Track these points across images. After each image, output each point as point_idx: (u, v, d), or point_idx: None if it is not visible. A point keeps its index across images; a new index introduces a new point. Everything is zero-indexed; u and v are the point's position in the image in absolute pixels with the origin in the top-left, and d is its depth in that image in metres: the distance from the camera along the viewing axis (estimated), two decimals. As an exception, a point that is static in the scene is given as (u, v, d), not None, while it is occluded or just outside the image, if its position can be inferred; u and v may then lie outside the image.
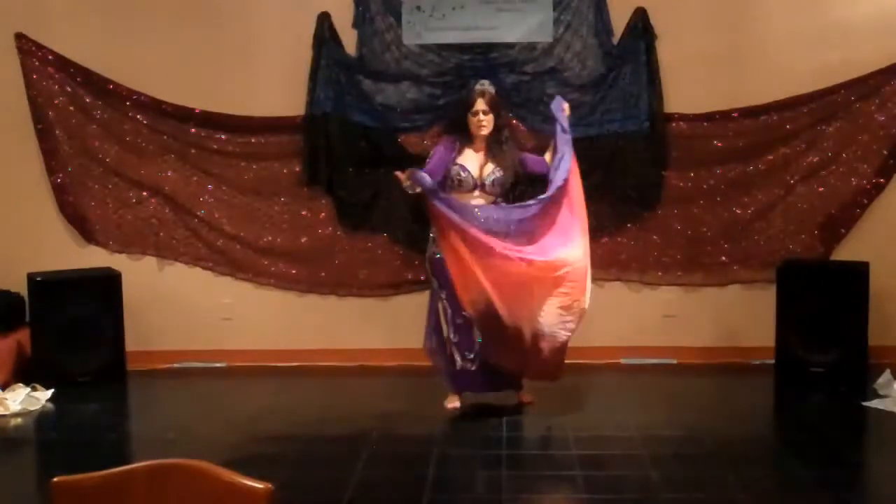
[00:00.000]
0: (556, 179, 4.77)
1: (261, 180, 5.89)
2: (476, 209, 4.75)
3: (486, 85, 4.92)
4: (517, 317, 4.65)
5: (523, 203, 4.80)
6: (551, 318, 4.67)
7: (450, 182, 4.85)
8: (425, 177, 4.62)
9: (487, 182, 4.84)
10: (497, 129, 4.90)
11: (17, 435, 4.89)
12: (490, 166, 4.85)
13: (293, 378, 5.76)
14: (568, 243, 4.72)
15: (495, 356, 4.82)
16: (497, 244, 4.61)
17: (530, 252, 4.65)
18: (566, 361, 4.87)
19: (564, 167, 4.79)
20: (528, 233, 4.71)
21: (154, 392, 5.65)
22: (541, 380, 4.95)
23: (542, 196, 4.77)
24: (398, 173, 4.75)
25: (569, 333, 4.73)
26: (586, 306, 4.73)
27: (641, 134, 5.73)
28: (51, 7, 5.86)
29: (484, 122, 4.85)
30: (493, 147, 4.89)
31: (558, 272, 4.65)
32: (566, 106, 5.01)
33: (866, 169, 5.75)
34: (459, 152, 4.88)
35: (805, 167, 5.77)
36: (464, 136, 4.90)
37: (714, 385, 5.63)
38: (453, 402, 4.96)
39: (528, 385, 5.01)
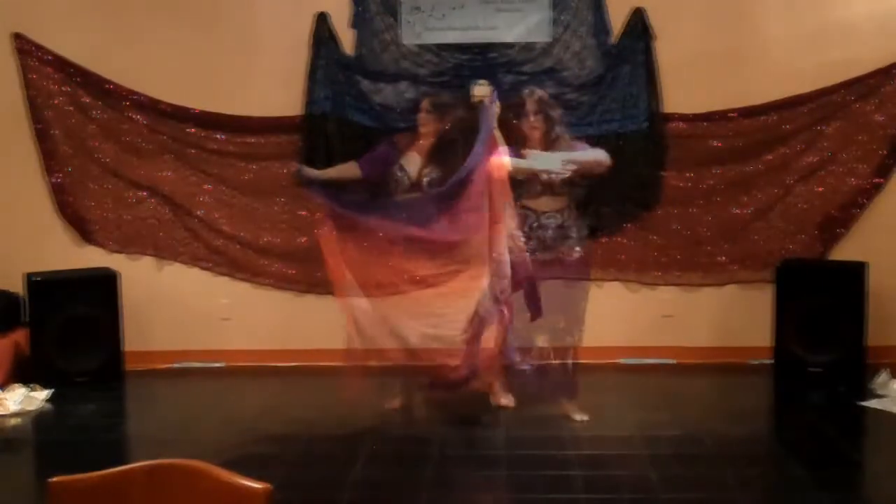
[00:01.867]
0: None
1: (259, 180, 5.88)
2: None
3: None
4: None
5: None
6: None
7: (392, 184, 4.89)
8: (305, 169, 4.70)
9: (424, 182, 4.86)
10: (441, 129, 4.89)
11: (16, 435, 4.88)
12: (428, 168, 4.88)
13: (293, 378, 5.76)
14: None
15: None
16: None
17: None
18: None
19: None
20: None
21: (152, 392, 5.65)
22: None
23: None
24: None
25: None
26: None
27: (640, 134, 5.72)
28: (49, 7, 5.85)
29: (421, 121, 4.93)
30: (435, 149, 4.90)
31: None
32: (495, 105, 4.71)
33: (865, 169, 5.75)
34: (403, 154, 4.94)
35: (804, 167, 5.77)
36: (412, 138, 4.97)
37: (713, 385, 5.63)
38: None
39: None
